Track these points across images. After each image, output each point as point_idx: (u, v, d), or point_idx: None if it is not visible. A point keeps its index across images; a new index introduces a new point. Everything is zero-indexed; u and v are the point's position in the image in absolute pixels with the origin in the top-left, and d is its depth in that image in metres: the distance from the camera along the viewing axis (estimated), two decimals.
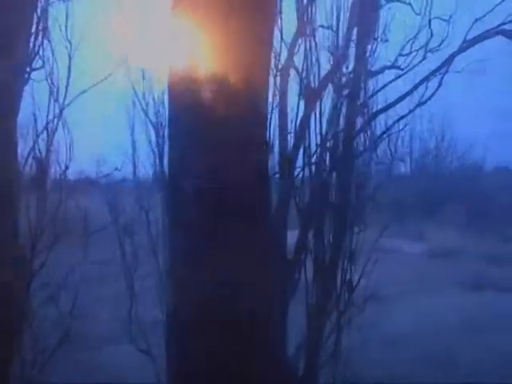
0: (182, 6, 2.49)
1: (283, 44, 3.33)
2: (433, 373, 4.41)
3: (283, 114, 3.33)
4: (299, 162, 3.29)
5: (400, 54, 3.28)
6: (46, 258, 2.94)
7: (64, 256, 3.24)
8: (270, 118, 3.21)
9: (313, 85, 3.31)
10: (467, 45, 3.06)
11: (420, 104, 3.18)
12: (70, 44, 3.20)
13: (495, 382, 4.22)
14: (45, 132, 2.99)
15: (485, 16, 3.08)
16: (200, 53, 2.38)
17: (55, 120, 3.00)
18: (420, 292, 6.28)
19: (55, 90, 3.10)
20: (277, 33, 3.27)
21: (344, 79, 3.30)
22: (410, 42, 3.39)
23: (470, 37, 3.12)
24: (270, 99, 3.23)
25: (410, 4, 3.27)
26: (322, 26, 3.42)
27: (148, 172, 3.61)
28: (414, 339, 5.00)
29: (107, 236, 3.47)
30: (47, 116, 3.00)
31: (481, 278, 6.70)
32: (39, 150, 2.97)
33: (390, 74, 3.51)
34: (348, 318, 3.20)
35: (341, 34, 3.29)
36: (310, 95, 3.30)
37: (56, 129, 2.99)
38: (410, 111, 3.22)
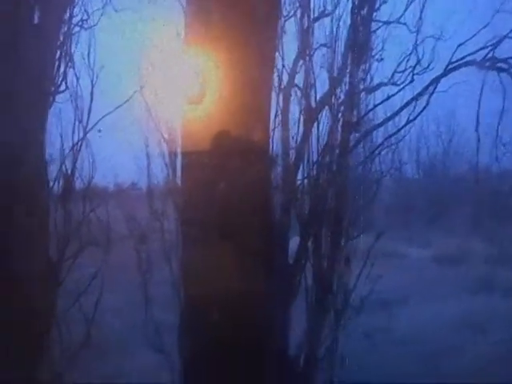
0: (193, 35, 2.83)
1: (285, 64, 3.64)
2: (433, 372, 4.61)
3: (285, 131, 3.62)
4: (300, 174, 3.59)
5: (396, 71, 3.51)
6: (72, 265, 3.28)
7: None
8: (273, 134, 3.53)
9: (313, 103, 3.60)
10: (449, 70, 3.32)
11: (409, 122, 3.44)
12: (93, 71, 3.54)
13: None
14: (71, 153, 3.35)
15: (467, 41, 3.34)
16: (210, 74, 2.72)
17: (80, 142, 3.36)
18: (427, 296, 6.45)
19: (79, 113, 3.45)
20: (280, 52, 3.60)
21: (341, 98, 3.58)
22: (405, 59, 3.65)
23: (454, 59, 3.39)
24: (273, 116, 3.55)
25: (405, 24, 3.53)
26: (321, 46, 3.70)
27: (160, 182, 3.93)
28: (419, 340, 5.20)
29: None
30: (72, 137, 3.36)
31: (488, 281, 6.83)
32: (66, 169, 3.33)
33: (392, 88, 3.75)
34: (346, 317, 3.45)
35: (339, 55, 3.57)
36: (309, 113, 3.59)
37: (80, 149, 3.35)
38: (399, 129, 3.48)
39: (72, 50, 3.76)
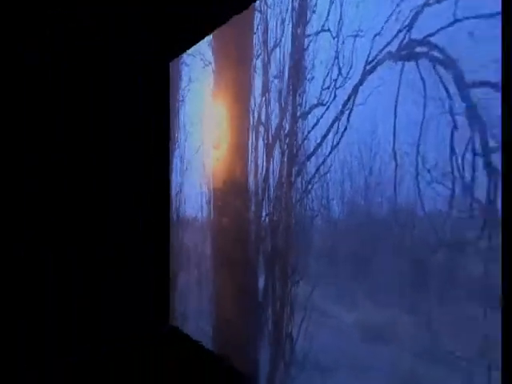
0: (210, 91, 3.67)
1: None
2: None
3: (255, 167, 3.59)
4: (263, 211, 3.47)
5: (322, 89, 2.94)
6: None
7: None
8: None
9: (270, 138, 3.42)
10: (366, 72, 2.54)
11: (333, 147, 2.79)
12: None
13: None
14: None
15: (382, 30, 2.49)
16: (221, 124, 3.52)
17: None
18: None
19: None
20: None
21: (286, 129, 3.27)
22: (329, 73, 2.94)
23: (371, 56, 2.60)
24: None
25: (328, 30, 2.90)
26: (274, 78, 3.45)
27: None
28: None
29: None
30: None
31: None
32: None
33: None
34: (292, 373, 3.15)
35: (285, 84, 3.27)
36: (268, 149, 3.44)
37: None
38: (324, 160, 2.86)
39: None
